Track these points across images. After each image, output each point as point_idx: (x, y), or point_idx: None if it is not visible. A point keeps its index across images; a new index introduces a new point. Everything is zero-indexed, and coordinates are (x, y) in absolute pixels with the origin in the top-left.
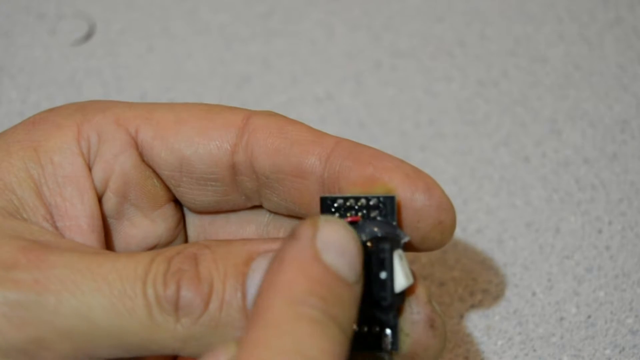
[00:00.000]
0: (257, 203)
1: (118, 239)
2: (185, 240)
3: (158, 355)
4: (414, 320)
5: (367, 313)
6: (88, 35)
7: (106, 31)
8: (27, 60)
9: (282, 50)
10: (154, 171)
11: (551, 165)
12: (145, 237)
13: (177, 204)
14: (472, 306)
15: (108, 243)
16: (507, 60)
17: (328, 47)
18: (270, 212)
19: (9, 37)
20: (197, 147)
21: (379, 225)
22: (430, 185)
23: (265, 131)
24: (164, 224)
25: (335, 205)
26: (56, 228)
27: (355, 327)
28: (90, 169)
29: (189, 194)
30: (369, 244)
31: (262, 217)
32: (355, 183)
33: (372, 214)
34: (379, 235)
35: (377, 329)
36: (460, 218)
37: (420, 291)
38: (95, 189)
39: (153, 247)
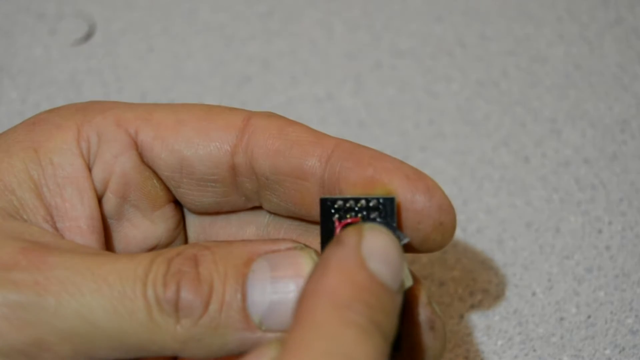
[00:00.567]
0: (257, 204)
1: (118, 240)
2: (185, 241)
3: (158, 356)
4: (414, 322)
5: None
6: (88, 35)
7: (106, 31)
8: (27, 60)
9: (282, 50)
10: (154, 172)
11: (551, 165)
12: (145, 238)
13: (177, 204)
14: (472, 306)
15: (108, 244)
16: (507, 60)
17: (328, 47)
18: (270, 213)
19: (9, 37)
20: (197, 148)
21: None
22: (430, 186)
23: (266, 132)
24: (164, 225)
25: (335, 206)
26: (56, 229)
27: None
28: (90, 170)
29: (189, 195)
30: None
31: (262, 218)
32: (355, 184)
33: (372, 216)
34: None
35: None
36: (460, 218)
37: (421, 293)
38: (95, 189)
39: (153, 248)
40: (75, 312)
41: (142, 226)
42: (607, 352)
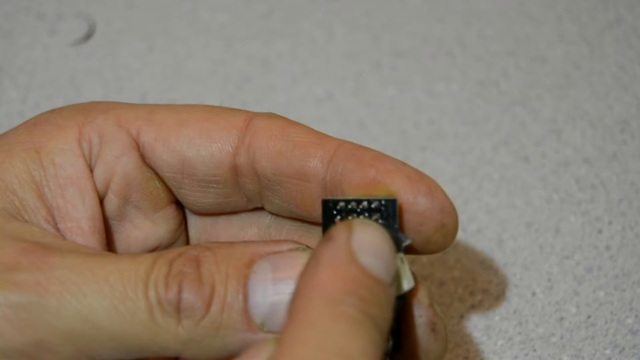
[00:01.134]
0: (258, 205)
1: (119, 241)
2: (187, 242)
3: (159, 357)
4: (415, 324)
5: None
6: (88, 35)
7: (106, 31)
8: (27, 60)
9: (282, 50)
10: (156, 173)
11: (551, 165)
12: (146, 238)
13: (179, 205)
14: (472, 306)
15: (109, 244)
16: (507, 60)
17: (328, 47)
18: (272, 214)
19: (9, 37)
20: (199, 149)
21: None
22: (432, 188)
23: (267, 133)
24: (166, 226)
25: (337, 208)
26: (57, 229)
27: None
28: (91, 171)
29: (190, 195)
30: None
31: (263, 219)
32: (357, 186)
33: (374, 217)
34: None
35: None
36: (460, 218)
37: (422, 294)
38: (96, 190)
39: (154, 249)
40: (77, 312)
41: (144, 227)
42: (607, 352)
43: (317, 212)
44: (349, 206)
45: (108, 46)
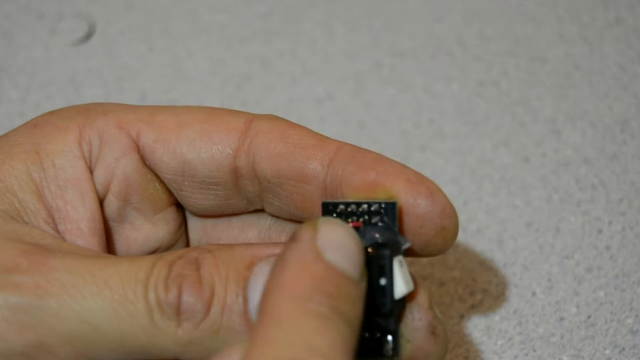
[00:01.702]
0: (259, 207)
1: (119, 243)
2: (187, 244)
3: (159, 359)
4: (415, 327)
5: (368, 319)
6: (88, 35)
7: (106, 31)
8: (27, 60)
9: (282, 50)
10: (156, 175)
11: (551, 165)
12: (146, 240)
13: (179, 207)
14: (472, 306)
15: (109, 246)
16: (507, 60)
17: (328, 47)
18: (272, 216)
19: (9, 37)
20: (199, 151)
21: (380, 231)
22: (433, 190)
23: (268, 135)
24: (166, 228)
25: (337, 210)
26: (57, 231)
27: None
28: (91, 172)
29: (190, 197)
30: (369, 249)
31: (264, 221)
32: (357, 188)
33: (374, 220)
34: (380, 241)
35: (378, 335)
36: (460, 218)
37: (422, 297)
38: (96, 192)
39: (154, 251)
40: (76, 314)
41: (144, 229)
42: (607, 352)
43: (317, 215)
44: (349, 209)
45: (108, 46)
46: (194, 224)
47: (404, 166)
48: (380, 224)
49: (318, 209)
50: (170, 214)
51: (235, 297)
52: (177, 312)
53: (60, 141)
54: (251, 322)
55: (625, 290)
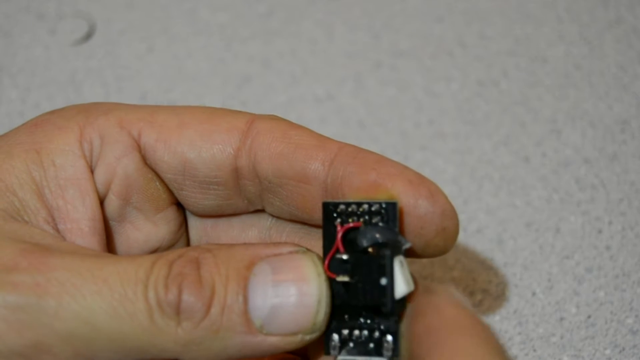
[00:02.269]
0: (259, 207)
1: (120, 242)
2: (187, 244)
3: (159, 359)
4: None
5: (368, 319)
6: (88, 35)
7: (106, 31)
8: (27, 60)
9: (282, 50)
10: (157, 174)
11: (551, 165)
12: (147, 240)
13: (180, 207)
14: (472, 306)
15: (110, 246)
16: (507, 60)
17: (328, 47)
18: (273, 216)
19: (9, 37)
20: (200, 151)
21: (381, 231)
22: (433, 191)
23: (269, 135)
24: (166, 227)
25: (338, 210)
26: (57, 230)
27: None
28: (92, 172)
29: (191, 197)
30: (370, 249)
31: (264, 221)
32: (358, 189)
33: (374, 220)
34: (380, 241)
35: (378, 334)
36: (460, 218)
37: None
38: (97, 191)
39: (155, 250)
40: (76, 314)
41: (144, 228)
42: (607, 352)
43: (317, 215)
44: (350, 209)
45: (108, 46)
46: (194, 223)
47: (405, 167)
48: (380, 224)
49: (319, 209)
50: (171, 213)
51: (236, 297)
52: (177, 311)
53: (61, 140)
54: (251, 322)
55: (625, 290)
